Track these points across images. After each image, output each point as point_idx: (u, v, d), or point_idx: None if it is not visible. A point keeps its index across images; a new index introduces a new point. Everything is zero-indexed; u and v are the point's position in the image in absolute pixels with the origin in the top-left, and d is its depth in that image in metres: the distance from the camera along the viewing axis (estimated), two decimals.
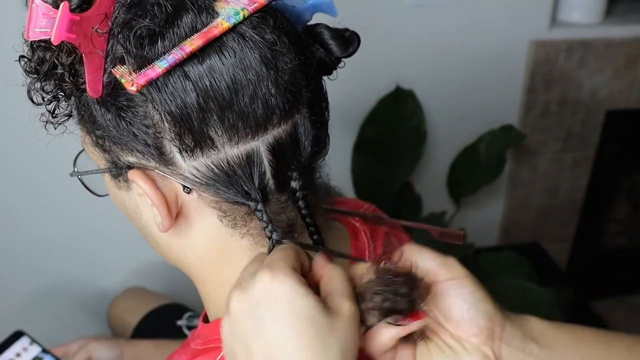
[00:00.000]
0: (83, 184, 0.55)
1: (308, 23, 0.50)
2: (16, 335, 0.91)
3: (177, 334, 1.09)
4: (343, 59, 0.50)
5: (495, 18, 1.46)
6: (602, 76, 1.60)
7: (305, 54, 0.46)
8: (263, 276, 0.40)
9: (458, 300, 0.45)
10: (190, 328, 1.11)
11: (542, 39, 1.51)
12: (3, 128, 1.21)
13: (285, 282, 0.39)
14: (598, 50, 1.55)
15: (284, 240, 0.46)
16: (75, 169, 0.54)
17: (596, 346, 0.47)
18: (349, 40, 0.50)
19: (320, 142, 0.49)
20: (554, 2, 1.50)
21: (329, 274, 0.43)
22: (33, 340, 0.92)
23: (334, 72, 0.51)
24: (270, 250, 0.46)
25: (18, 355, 0.90)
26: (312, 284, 0.42)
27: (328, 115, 0.50)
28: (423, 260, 0.46)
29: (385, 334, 0.44)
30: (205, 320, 0.56)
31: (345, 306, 0.41)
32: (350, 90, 1.27)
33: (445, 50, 1.47)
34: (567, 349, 0.46)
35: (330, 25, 0.50)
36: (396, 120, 1.46)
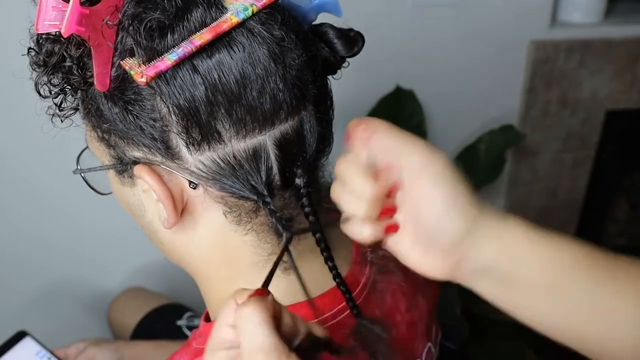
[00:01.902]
0: (86, 181, 0.55)
1: (313, 23, 0.51)
2: (19, 335, 0.91)
3: (177, 334, 1.09)
4: (347, 59, 0.51)
5: (495, 18, 1.46)
6: (602, 76, 1.60)
7: (311, 50, 0.46)
8: None
9: (431, 206, 0.41)
10: (190, 328, 1.10)
11: (542, 39, 1.51)
12: (3, 128, 1.21)
13: None
14: (598, 50, 1.56)
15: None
16: (79, 167, 0.54)
17: (568, 272, 0.41)
18: (353, 40, 0.50)
19: (325, 140, 0.49)
20: (554, 2, 1.50)
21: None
22: (36, 341, 0.92)
23: (338, 71, 0.51)
24: (282, 242, 0.45)
25: (22, 355, 0.89)
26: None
27: (333, 113, 0.51)
28: (405, 155, 0.42)
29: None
30: (207, 319, 0.56)
31: None
32: (350, 90, 1.27)
33: (446, 50, 1.47)
34: (542, 269, 0.41)
35: (334, 25, 0.51)
36: (396, 120, 1.45)
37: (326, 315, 0.52)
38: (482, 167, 1.55)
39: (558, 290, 0.41)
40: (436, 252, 0.43)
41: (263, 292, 0.38)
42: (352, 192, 0.44)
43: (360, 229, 0.44)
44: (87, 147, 0.53)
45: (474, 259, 0.42)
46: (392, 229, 0.44)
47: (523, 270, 0.42)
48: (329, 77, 0.51)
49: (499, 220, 0.42)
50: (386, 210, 0.44)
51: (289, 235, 0.45)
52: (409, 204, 0.43)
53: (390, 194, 0.44)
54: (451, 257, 0.42)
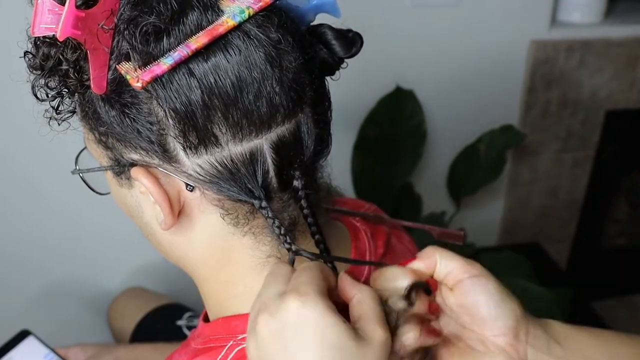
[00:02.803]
0: (85, 182, 0.55)
1: (311, 23, 0.50)
2: (22, 335, 0.92)
3: (177, 334, 1.09)
4: (346, 60, 0.50)
5: (495, 18, 1.46)
6: (602, 76, 1.60)
7: (309, 53, 0.46)
8: (291, 303, 0.38)
9: (485, 297, 0.43)
10: (190, 328, 1.10)
11: (542, 39, 1.51)
12: (4, 129, 1.21)
13: (314, 310, 0.38)
14: (598, 50, 1.56)
15: (293, 248, 0.46)
16: (77, 167, 0.54)
17: (620, 346, 0.46)
18: (352, 41, 0.50)
19: (323, 141, 0.49)
20: (554, 2, 1.50)
21: (359, 296, 0.42)
22: (39, 340, 0.92)
23: (338, 72, 0.51)
24: (290, 253, 0.46)
25: (25, 354, 0.90)
26: (340, 303, 0.41)
27: (331, 115, 0.51)
28: (446, 259, 0.44)
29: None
30: (206, 319, 0.56)
31: (377, 333, 0.39)
32: (350, 90, 1.27)
33: (446, 50, 1.47)
34: (591, 350, 0.45)
35: (332, 25, 0.51)
36: (396, 120, 1.46)
37: None
38: (482, 167, 1.55)
39: None
40: (497, 356, 0.44)
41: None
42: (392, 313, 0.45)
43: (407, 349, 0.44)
44: (85, 148, 0.53)
45: (534, 346, 0.43)
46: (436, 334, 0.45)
47: (577, 349, 0.44)
48: (328, 78, 0.51)
49: (536, 316, 0.45)
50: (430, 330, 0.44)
51: (293, 255, 0.45)
52: (453, 313, 0.45)
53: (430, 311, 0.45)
54: (514, 354, 0.43)
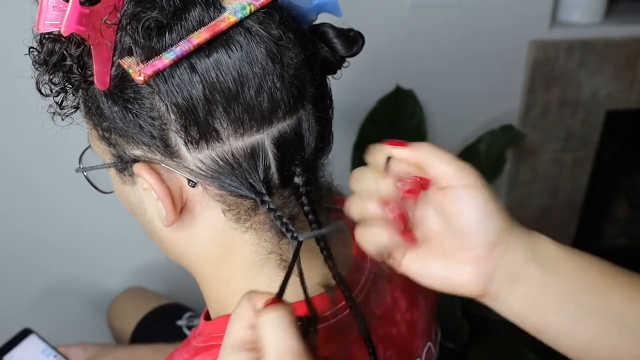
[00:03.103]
0: (88, 180, 0.55)
1: (313, 23, 0.51)
2: (24, 333, 0.92)
3: (177, 334, 1.09)
4: (347, 59, 0.51)
5: (495, 18, 1.46)
6: (602, 76, 1.60)
7: (310, 49, 0.46)
8: None
9: (469, 209, 0.42)
10: (190, 328, 1.10)
11: (542, 39, 1.51)
12: (3, 128, 1.21)
13: None
14: (598, 50, 1.56)
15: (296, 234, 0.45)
16: (81, 165, 0.54)
17: (599, 279, 0.43)
18: (353, 40, 0.50)
19: (324, 139, 0.49)
20: (554, 2, 1.50)
21: None
22: (41, 338, 0.92)
23: (338, 71, 0.51)
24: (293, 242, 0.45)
25: (27, 352, 0.90)
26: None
27: (332, 113, 0.51)
28: (438, 162, 0.43)
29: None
30: (207, 317, 0.56)
31: None
32: (350, 90, 1.27)
33: (446, 50, 1.47)
34: (569, 276, 0.43)
35: (334, 25, 0.51)
36: (396, 120, 1.46)
37: (326, 314, 0.52)
38: (482, 167, 1.54)
39: (591, 296, 0.42)
40: (468, 265, 0.43)
41: (280, 301, 0.38)
42: (366, 194, 0.44)
43: (374, 232, 0.43)
44: (89, 146, 0.54)
45: (507, 264, 0.42)
46: (409, 236, 0.43)
47: (554, 274, 0.42)
48: (329, 76, 0.51)
49: (527, 230, 0.44)
50: (402, 216, 0.43)
51: (299, 240, 0.44)
52: (438, 213, 0.44)
53: (405, 197, 0.43)
54: (484, 267, 0.42)
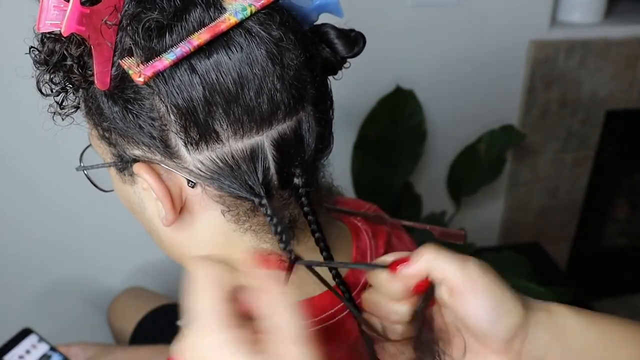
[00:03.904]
0: (89, 178, 0.55)
1: (314, 23, 0.51)
2: (24, 333, 0.92)
3: (177, 334, 1.09)
4: (348, 59, 0.51)
5: (495, 18, 1.46)
6: (602, 76, 1.60)
7: (310, 51, 0.46)
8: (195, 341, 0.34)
9: (479, 312, 0.42)
10: None
11: (542, 39, 1.51)
12: (4, 129, 1.21)
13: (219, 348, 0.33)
14: (598, 50, 1.56)
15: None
16: (82, 164, 0.55)
17: (624, 344, 0.44)
18: (354, 40, 0.50)
19: (324, 140, 0.49)
20: (554, 2, 1.50)
21: (276, 321, 0.34)
22: (41, 338, 0.92)
23: (339, 71, 0.51)
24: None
25: (27, 352, 0.90)
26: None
27: (333, 113, 0.51)
28: (440, 265, 0.43)
29: None
30: None
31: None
32: (350, 90, 1.27)
33: (446, 50, 1.47)
34: (590, 349, 0.44)
35: (335, 25, 0.51)
36: (396, 120, 1.46)
37: (326, 314, 0.52)
38: (482, 167, 1.55)
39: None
40: (491, 357, 0.44)
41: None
42: (385, 319, 0.45)
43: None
44: (90, 145, 0.54)
45: (531, 351, 0.43)
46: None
47: (579, 351, 0.43)
48: (330, 77, 0.51)
49: (545, 308, 0.44)
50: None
51: (295, 263, 0.45)
52: (454, 318, 0.44)
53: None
54: (508, 356, 0.43)
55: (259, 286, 0.35)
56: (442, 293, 0.44)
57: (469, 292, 0.42)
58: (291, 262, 0.45)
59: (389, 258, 0.46)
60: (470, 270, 0.43)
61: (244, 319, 0.34)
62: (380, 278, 0.45)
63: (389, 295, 0.45)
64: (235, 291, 0.35)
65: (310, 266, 0.47)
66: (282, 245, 0.46)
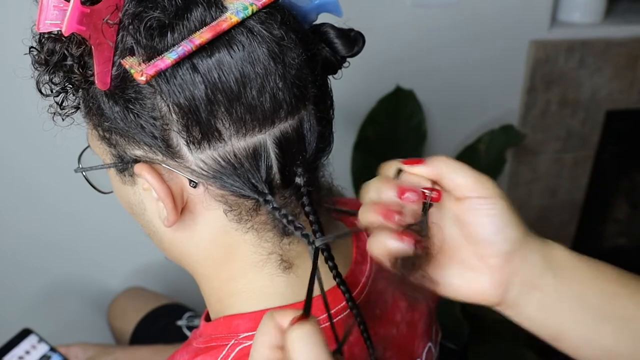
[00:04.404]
0: (87, 180, 0.55)
1: (314, 23, 0.51)
2: (24, 333, 0.92)
3: (177, 334, 1.09)
4: (348, 59, 0.51)
5: (495, 18, 1.46)
6: (602, 76, 1.60)
7: (311, 50, 0.47)
8: None
9: (486, 221, 0.43)
10: (190, 328, 1.10)
11: (542, 39, 1.51)
12: (3, 128, 1.21)
13: None
14: (598, 50, 1.56)
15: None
16: (80, 165, 0.54)
17: (611, 285, 0.44)
18: (354, 40, 0.50)
19: (325, 139, 0.49)
20: (554, 2, 1.50)
21: None
22: (41, 339, 0.92)
23: (339, 71, 0.51)
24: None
25: (27, 352, 0.90)
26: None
27: (333, 113, 0.51)
28: (454, 174, 0.44)
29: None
30: (207, 319, 0.56)
31: None
32: (350, 90, 1.27)
33: (446, 50, 1.47)
34: (583, 283, 0.44)
35: (334, 24, 0.51)
36: (396, 120, 1.46)
37: (326, 314, 0.52)
38: (482, 167, 1.55)
39: (604, 302, 0.43)
40: (485, 274, 0.44)
41: (306, 317, 0.37)
42: (378, 201, 0.44)
43: (385, 239, 0.43)
44: (88, 146, 0.53)
45: (523, 273, 0.43)
46: (420, 244, 0.43)
47: (568, 282, 0.43)
48: (330, 76, 0.51)
49: (542, 240, 0.45)
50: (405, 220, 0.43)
51: (317, 245, 0.44)
52: (455, 224, 0.44)
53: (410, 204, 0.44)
54: (501, 276, 0.43)
55: (287, 336, 0.35)
56: (447, 199, 0.45)
57: (479, 200, 0.43)
58: (315, 246, 0.44)
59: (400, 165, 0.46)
60: (485, 180, 0.44)
61: None
62: (389, 169, 0.45)
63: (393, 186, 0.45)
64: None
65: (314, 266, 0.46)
66: (297, 232, 0.45)
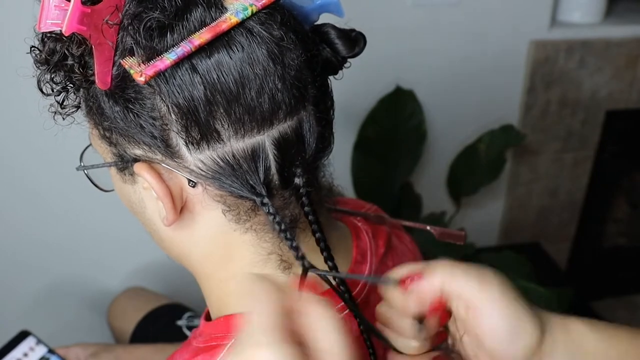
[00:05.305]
0: (89, 178, 0.55)
1: (315, 23, 0.51)
2: (22, 335, 0.92)
3: (177, 334, 1.09)
4: (349, 59, 0.51)
5: (495, 18, 1.46)
6: (602, 76, 1.60)
7: (311, 50, 0.46)
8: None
9: (495, 329, 0.41)
10: (190, 328, 1.10)
11: (542, 39, 1.51)
12: (4, 129, 1.21)
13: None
14: (598, 50, 1.56)
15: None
16: (82, 164, 0.54)
17: (631, 350, 0.43)
18: (355, 40, 0.50)
19: (325, 140, 0.49)
20: (554, 2, 1.50)
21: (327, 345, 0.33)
22: (39, 341, 0.92)
23: (340, 71, 0.51)
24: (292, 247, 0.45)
25: (25, 355, 0.90)
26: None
27: (333, 113, 0.51)
28: (457, 281, 0.42)
29: None
30: (208, 318, 0.56)
31: None
32: (350, 90, 1.28)
33: (446, 50, 1.47)
34: (604, 356, 0.43)
35: (335, 25, 0.51)
36: (396, 120, 1.46)
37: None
38: (482, 167, 1.55)
39: None
40: None
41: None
42: (400, 334, 0.44)
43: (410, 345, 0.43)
44: (90, 145, 0.54)
45: (552, 353, 0.42)
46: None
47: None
48: (330, 77, 0.51)
49: (561, 323, 0.43)
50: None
51: (307, 266, 0.44)
52: (469, 334, 0.43)
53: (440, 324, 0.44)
54: None
55: (306, 308, 0.34)
56: (457, 308, 0.43)
57: (488, 310, 0.41)
58: (305, 270, 0.44)
59: (401, 271, 0.46)
60: (490, 287, 0.42)
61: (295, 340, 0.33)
62: (392, 293, 0.45)
63: (401, 311, 0.45)
64: (288, 311, 0.34)
65: (323, 276, 0.46)
66: (288, 243, 0.45)
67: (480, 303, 0.41)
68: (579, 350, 0.42)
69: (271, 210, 0.46)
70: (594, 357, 0.43)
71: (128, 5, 0.42)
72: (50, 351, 0.91)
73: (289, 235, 0.45)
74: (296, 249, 0.45)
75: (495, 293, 0.42)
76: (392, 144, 1.49)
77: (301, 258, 0.44)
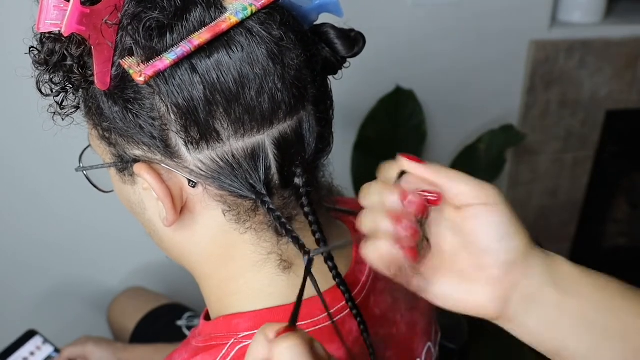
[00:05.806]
0: (88, 179, 0.55)
1: (314, 23, 0.51)
2: (29, 334, 0.92)
3: (177, 334, 1.09)
4: (348, 59, 0.51)
5: (495, 18, 1.46)
6: (602, 76, 1.60)
7: (311, 50, 0.47)
8: None
9: (488, 229, 0.41)
10: (190, 328, 1.10)
11: (542, 39, 1.51)
12: (4, 129, 1.21)
13: None
14: (598, 50, 1.56)
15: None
16: (81, 165, 0.54)
17: (614, 300, 0.42)
18: (354, 40, 0.50)
19: (324, 139, 0.49)
20: (554, 2, 1.50)
21: None
22: (45, 340, 0.92)
23: (339, 71, 0.51)
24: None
25: (32, 354, 0.90)
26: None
27: (333, 113, 0.51)
28: (456, 181, 0.42)
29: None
30: (207, 318, 0.56)
31: None
32: (350, 90, 1.27)
33: (446, 50, 1.47)
34: (586, 298, 0.42)
35: (335, 25, 0.51)
36: (396, 121, 1.46)
37: (325, 314, 0.52)
38: (482, 167, 1.55)
39: (606, 318, 0.41)
40: (483, 285, 0.42)
41: (293, 329, 0.36)
42: (374, 207, 0.43)
43: (378, 247, 0.42)
44: (89, 145, 0.54)
45: (524, 286, 0.42)
46: (413, 253, 0.42)
47: (570, 296, 0.42)
48: (330, 77, 0.51)
49: (545, 252, 0.43)
50: (413, 232, 0.42)
51: (311, 256, 0.44)
52: (454, 232, 0.43)
53: (418, 215, 0.43)
54: (501, 288, 0.42)
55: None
56: (447, 209, 0.43)
57: (482, 207, 0.41)
58: (309, 257, 0.44)
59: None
60: (487, 187, 0.42)
61: None
62: (389, 166, 0.44)
63: (385, 180, 0.44)
64: None
65: (309, 270, 0.46)
66: (288, 235, 0.45)
67: (477, 201, 0.42)
68: (557, 272, 0.42)
69: (272, 207, 0.46)
70: (571, 282, 0.42)
71: (127, 5, 0.42)
72: (56, 350, 0.92)
73: (289, 227, 0.45)
74: (296, 239, 0.45)
75: (493, 194, 0.42)
76: (392, 144, 1.49)
77: (301, 247, 0.44)
